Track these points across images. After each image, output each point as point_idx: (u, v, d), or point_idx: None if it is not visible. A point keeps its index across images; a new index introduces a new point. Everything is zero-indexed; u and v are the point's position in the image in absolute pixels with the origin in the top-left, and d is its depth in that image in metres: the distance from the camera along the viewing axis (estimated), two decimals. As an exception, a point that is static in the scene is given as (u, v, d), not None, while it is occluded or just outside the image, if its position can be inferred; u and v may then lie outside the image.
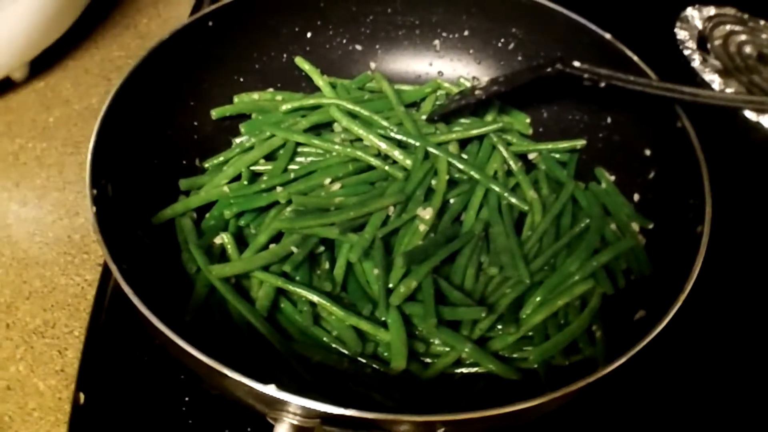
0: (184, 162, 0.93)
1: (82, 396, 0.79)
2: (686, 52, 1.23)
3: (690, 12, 1.30)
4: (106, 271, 0.89)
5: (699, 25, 1.28)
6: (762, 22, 1.31)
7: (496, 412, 0.61)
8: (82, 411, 0.79)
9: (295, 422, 0.63)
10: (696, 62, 1.21)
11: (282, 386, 0.60)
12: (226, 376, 0.61)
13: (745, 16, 1.31)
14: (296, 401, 0.60)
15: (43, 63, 1.14)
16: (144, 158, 0.87)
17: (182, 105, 0.94)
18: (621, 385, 0.80)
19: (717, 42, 1.25)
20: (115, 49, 1.19)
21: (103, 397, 0.80)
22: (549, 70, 0.88)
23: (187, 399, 0.80)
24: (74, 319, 0.88)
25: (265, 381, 0.60)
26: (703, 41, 1.25)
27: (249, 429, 0.78)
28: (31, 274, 0.91)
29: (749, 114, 1.14)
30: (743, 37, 1.26)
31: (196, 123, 0.95)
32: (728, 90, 1.17)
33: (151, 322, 0.64)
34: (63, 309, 0.89)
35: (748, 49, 1.24)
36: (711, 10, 1.30)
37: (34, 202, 0.99)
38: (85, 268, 0.92)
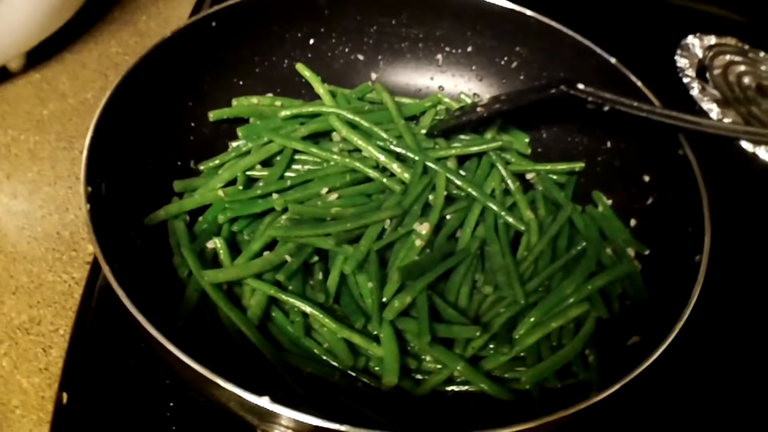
0: (179, 163, 0.92)
1: (65, 396, 0.78)
2: (685, 80, 1.23)
3: (691, 40, 1.30)
4: (94, 270, 0.88)
5: (699, 53, 1.28)
6: (762, 54, 1.31)
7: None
8: (65, 411, 0.77)
9: (286, 435, 0.62)
10: (695, 90, 1.22)
11: (275, 398, 0.59)
12: (218, 385, 0.59)
13: (746, 46, 1.31)
14: (290, 414, 0.59)
15: (41, 55, 1.13)
16: (139, 158, 0.85)
17: (180, 105, 0.93)
18: (613, 406, 0.79)
19: (717, 71, 1.25)
20: (114, 45, 1.18)
21: (87, 398, 0.78)
22: (553, 91, 0.87)
23: (171, 404, 0.78)
24: (60, 317, 0.86)
25: (258, 392, 0.59)
26: (702, 70, 1.25)
27: (234, 438, 0.77)
28: (19, 269, 0.90)
29: (746, 144, 1.14)
30: (743, 68, 1.27)
31: (193, 124, 0.94)
32: (726, 120, 1.17)
33: (143, 326, 0.63)
34: (49, 306, 0.87)
35: (747, 80, 1.25)
36: (712, 39, 1.31)
37: (25, 196, 0.97)
38: (73, 265, 0.91)
